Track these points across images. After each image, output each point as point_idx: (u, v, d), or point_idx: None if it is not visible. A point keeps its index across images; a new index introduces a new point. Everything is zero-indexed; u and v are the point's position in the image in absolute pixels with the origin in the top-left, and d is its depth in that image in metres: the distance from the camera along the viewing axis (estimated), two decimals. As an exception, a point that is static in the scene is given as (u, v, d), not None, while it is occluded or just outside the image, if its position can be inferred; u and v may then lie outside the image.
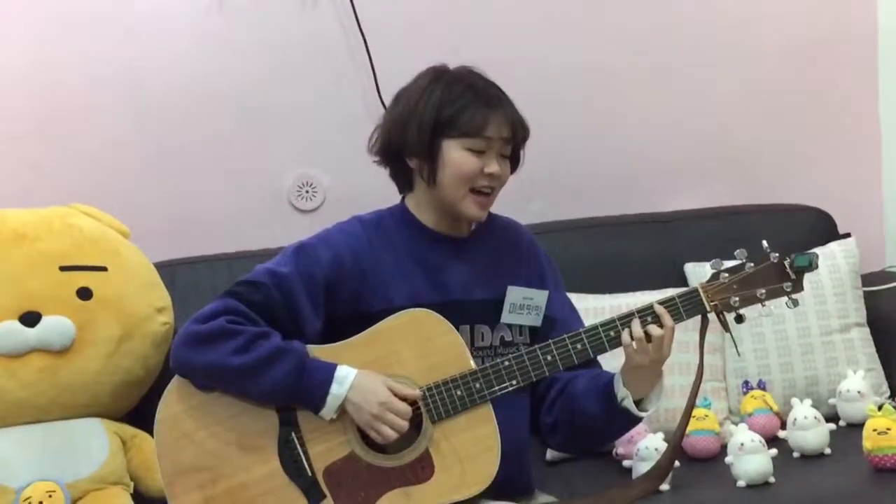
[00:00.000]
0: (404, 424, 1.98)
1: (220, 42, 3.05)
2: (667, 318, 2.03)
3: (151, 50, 3.01)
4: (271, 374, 1.98)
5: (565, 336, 2.05)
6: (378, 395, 1.98)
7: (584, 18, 3.18)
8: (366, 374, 2.00)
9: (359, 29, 3.05)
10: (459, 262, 2.16)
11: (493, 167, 2.09)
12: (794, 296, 2.07)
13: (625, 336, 2.02)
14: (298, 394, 1.99)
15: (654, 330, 2.01)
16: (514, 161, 2.18)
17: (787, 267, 2.05)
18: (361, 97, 3.06)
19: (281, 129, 3.09)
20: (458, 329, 2.05)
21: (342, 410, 2.00)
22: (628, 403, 2.06)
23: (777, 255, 2.06)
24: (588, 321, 2.12)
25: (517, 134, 2.13)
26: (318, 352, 2.03)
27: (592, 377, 2.13)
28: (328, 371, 1.99)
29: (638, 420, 2.09)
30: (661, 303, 2.05)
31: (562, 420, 2.17)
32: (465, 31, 3.09)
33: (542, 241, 2.35)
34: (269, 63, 3.07)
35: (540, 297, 2.19)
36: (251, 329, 2.01)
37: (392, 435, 1.98)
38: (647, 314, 2.04)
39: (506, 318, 2.15)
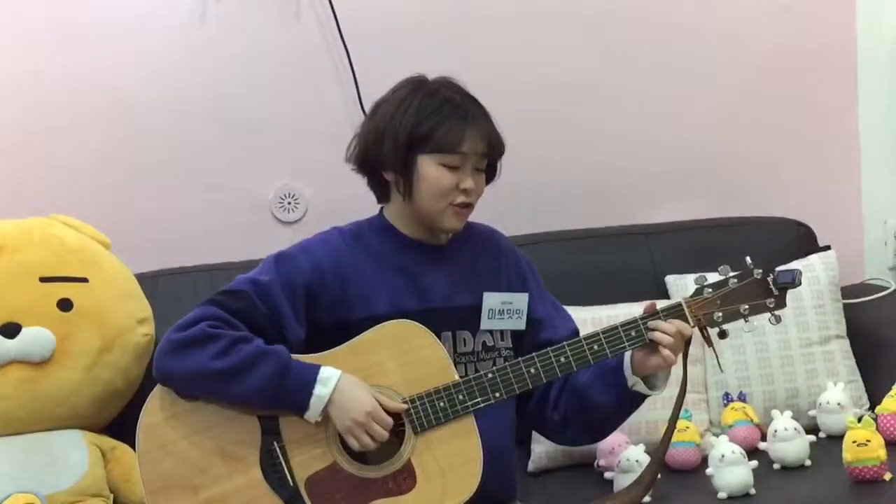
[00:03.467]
0: (385, 434, 1.99)
1: (201, 55, 3.04)
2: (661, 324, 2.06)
3: (133, 62, 3.00)
4: (254, 376, 1.97)
5: (548, 349, 2.06)
6: (365, 404, 1.98)
7: (566, 31, 3.19)
8: (351, 378, 2.00)
9: (341, 41, 3.05)
10: (439, 270, 2.17)
11: (468, 183, 2.10)
12: (776, 312, 2.08)
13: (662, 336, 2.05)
14: (282, 395, 1.98)
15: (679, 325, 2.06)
16: (490, 173, 2.19)
17: (771, 283, 2.07)
18: (344, 109, 3.06)
19: (263, 140, 3.08)
20: (439, 336, 2.06)
21: (326, 416, 1.99)
22: (640, 388, 2.09)
23: (760, 271, 2.07)
24: (572, 334, 2.13)
25: (493, 149, 2.14)
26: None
27: (595, 367, 2.14)
28: (312, 371, 1.99)
29: (643, 399, 2.14)
30: (645, 318, 2.06)
31: (571, 414, 2.19)
32: (447, 44, 3.10)
33: (523, 253, 2.35)
34: (251, 75, 3.07)
35: (520, 300, 2.20)
36: (232, 333, 2.00)
37: (370, 444, 1.98)
38: (630, 328, 2.05)
39: (485, 324, 2.16)
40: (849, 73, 3.33)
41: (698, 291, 2.08)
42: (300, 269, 2.09)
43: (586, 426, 2.20)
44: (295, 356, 2.02)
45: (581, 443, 2.34)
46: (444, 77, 2.17)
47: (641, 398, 2.14)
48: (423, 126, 2.08)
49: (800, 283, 2.07)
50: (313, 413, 1.98)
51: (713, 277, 2.09)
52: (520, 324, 2.20)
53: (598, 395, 2.15)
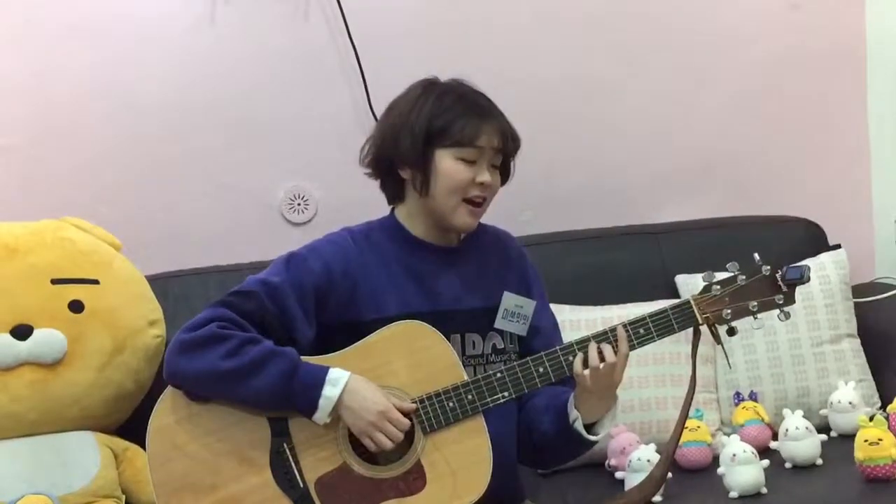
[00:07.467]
0: (401, 435, 1.99)
1: (212, 55, 3.05)
2: (623, 345, 2.03)
3: (143, 63, 3.02)
4: (263, 377, 1.98)
5: (557, 348, 2.05)
6: (378, 404, 1.98)
7: (575, 31, 3.19)
8: (361, 379, 2.00)
9: (350, 42, 3.05)
10: (449, 272, 2.17)
11: (485, 177, 2.11)
12: (785, 308, 2.08)
13: (576, 364, 2.03)
14: (290, 397, 1.98)
15: (608, 353, 2.01)
16: (504, 172, 2.19)
17: (779, 280, 2.06)
18: (353, 110, 3.07)
19: (273, 141, 3.09)
20: (448, 338, 2.06)
21: (335, 417, 2.00)
22: (578, 425, 2.07)
23: (769, 267, 2.06)
24: (579, 333, 2.12)
25: (508, 144, 2.14)
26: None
27: (556, 394, 2.14)
28: (321, 373, 1.99)
29: (590, 443, 2.09)
30: (653, 315, 2.06)
31: (521, 434, 2.19)
32: (456, 44, 3.10)
33: (533, 253, 2.35)
34: (261, 76, 3.07)
35: (529, 306, 2.20)
36: (241, 334, 2.01)
37: (387, 444, 1.98)
38: (639, 325, 2.05)
39: (498, 323, 2.16)
40: (858, 72, 3.33)
41: (707, 289, 2.08)
42: (310, 270, 2.09)
43: (531, 450, 2.20)
44: (304, 357, 2.02)
45: (528, 465, 2.30)
46: (456, 79, 2.19)
47: (583, 441, 2.08)
48: (440, 121, 2.09)
49: (808, 280, 2.07)
50: (322, 415, 1.98)
51: (722, 275, 2.09)
52: (523, 329, 2.20)
53: (544, 423, 2.14)
